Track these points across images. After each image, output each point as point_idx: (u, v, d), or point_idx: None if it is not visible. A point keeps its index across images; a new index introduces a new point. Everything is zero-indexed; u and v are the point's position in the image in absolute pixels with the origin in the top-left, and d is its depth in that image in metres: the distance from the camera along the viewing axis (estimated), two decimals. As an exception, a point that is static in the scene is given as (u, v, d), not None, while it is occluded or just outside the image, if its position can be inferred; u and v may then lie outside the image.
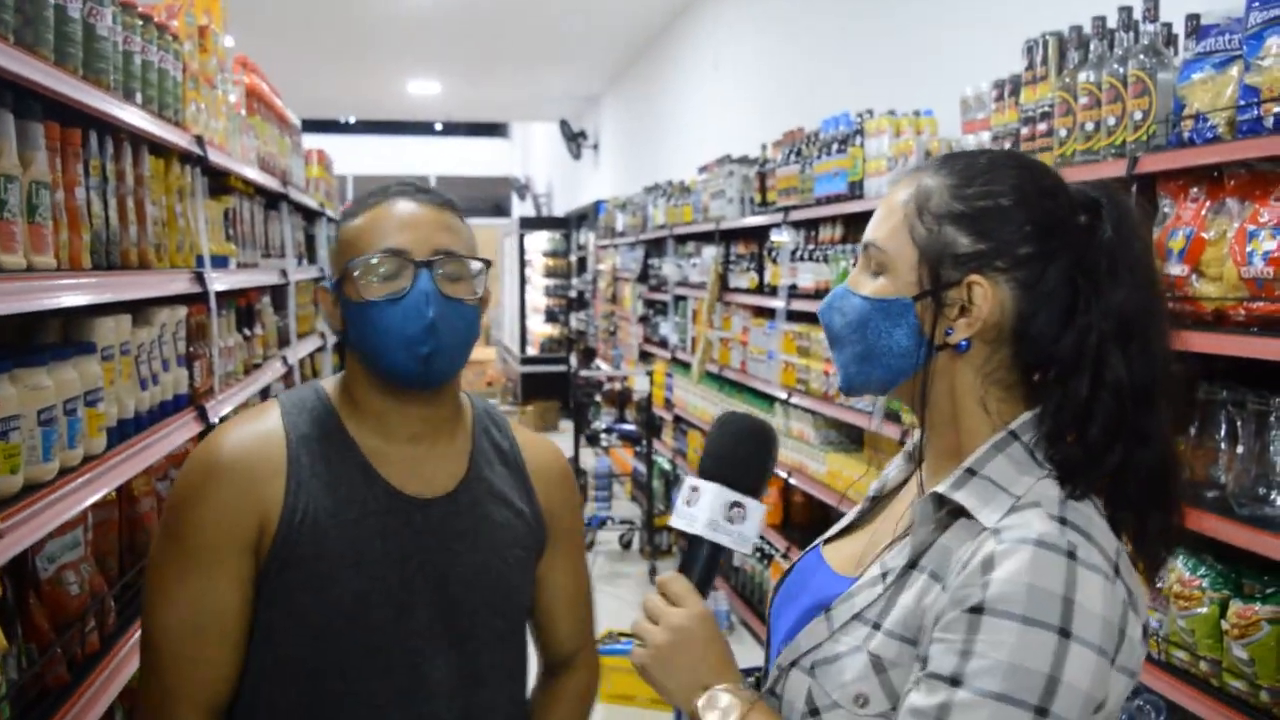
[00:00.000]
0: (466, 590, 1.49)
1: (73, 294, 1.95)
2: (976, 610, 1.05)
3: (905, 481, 1.38)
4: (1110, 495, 1.14)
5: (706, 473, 1.27)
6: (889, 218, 1.22)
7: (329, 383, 1.57)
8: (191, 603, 1.40)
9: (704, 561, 1.25)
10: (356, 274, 1.44)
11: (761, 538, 5.47)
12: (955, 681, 1.04)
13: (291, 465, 1.44)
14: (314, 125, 16.27)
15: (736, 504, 1.24)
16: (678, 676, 1.19)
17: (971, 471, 1.15)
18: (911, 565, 1.16)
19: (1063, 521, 1.08)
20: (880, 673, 1.12)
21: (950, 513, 1.16)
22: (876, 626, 1.15)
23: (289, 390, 1.58)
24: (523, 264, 14.53)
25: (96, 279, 2.08)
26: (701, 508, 1.24)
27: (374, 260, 1.44)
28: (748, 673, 4.24)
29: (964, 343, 1.17)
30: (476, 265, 1.50)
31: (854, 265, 4.07)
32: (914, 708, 1.07)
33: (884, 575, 1.18)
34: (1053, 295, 1.15)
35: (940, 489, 1.16)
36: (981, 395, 1.19)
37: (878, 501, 1.39)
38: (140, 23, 2.41)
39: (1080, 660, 1.02)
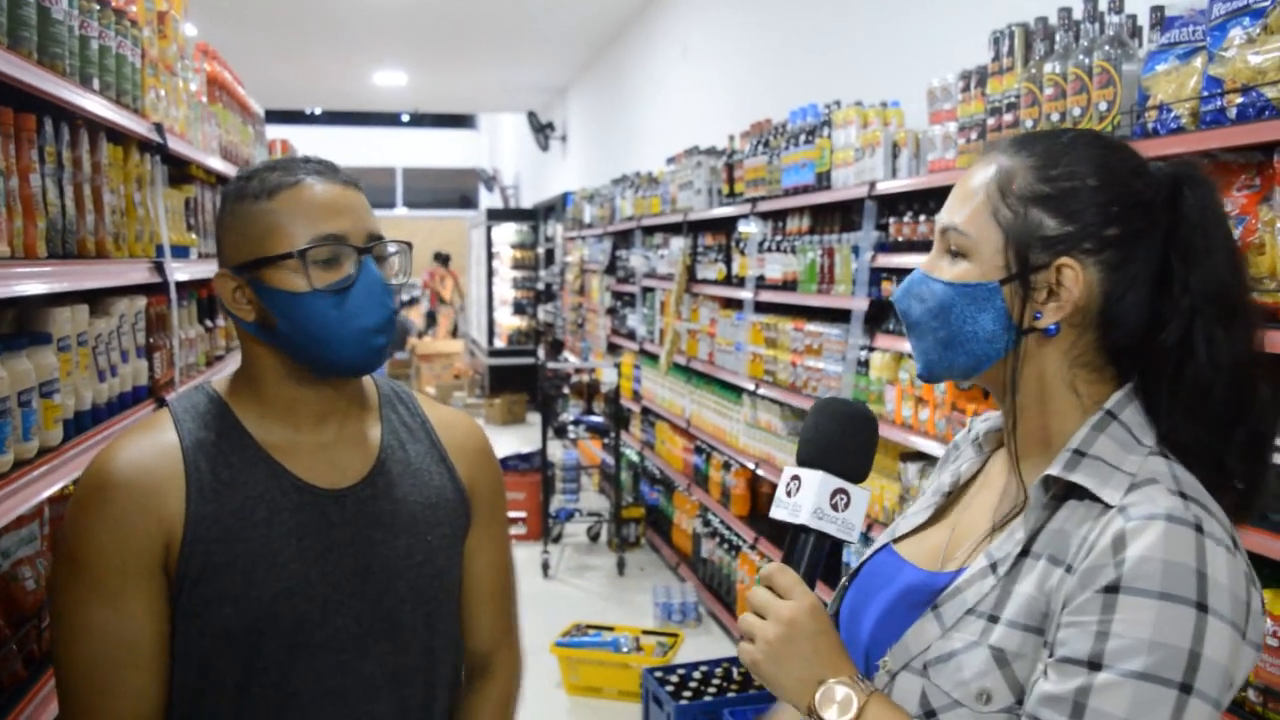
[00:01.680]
0: (393, 578, 1.44)
1: (27, 283, 1.90)
2: (1112, 589, 1.03)
3: (978, 473, 1.34)
4: (1216, 470, 1.13)
5: (807, 461, 1.22)
6: (968, 200, 1.19)
7: (219, 382, 1.49)
8: (100, 633, 1.32)
9: (810, 552, 1.20)
10: (308, 260, 1.37)
11: (729, 529, 5.49)
12: (1094, 664, 1.02)
13: (190, 474, 1.37)
14: (278, 116, 16.13)
15: (840, 491, 1.20)
16: (791, 671, 1.14)
17: (1080, 453, 1.14)
18: (1024, 553, 1.13)
19: (1184, 496, 1.07)
20: (1003, 666, 1.09)
21: (1055, 496, 1.14)
22: (994, 619, 1.11)
23: (177, 395, 1.50)
24: (490, 256, 14.47)
25: (52, 268, 2.04)
26: (805, 497, 1.19)
27: (318, 247, 1.37)
28: (715, 663, 4.24)
29: (1053, 327, 1.15)
30: (395, 247, 1.46)
31: (822, 256, 4.02)
32: (1047, 695, 1.04)
33: (993, 566, 1.15)
34: (1139, 276, 1.14)
35: (1054, 471, 1.14)
36: (1070, 379, 1.18)
37: (950, 496, 1.35)
38: (97, 7, 2.37)
39: (1218, 635, 1.01)
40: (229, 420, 1.43)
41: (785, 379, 4.53)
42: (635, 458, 7.53)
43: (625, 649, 4.84)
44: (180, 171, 3.50)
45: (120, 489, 1.34)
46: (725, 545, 5.52)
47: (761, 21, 6.32)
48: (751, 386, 4.94)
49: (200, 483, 1.37)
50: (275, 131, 7.50)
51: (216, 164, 3.93)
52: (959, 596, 1.15)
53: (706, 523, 5.87)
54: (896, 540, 1.34)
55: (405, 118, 19.01)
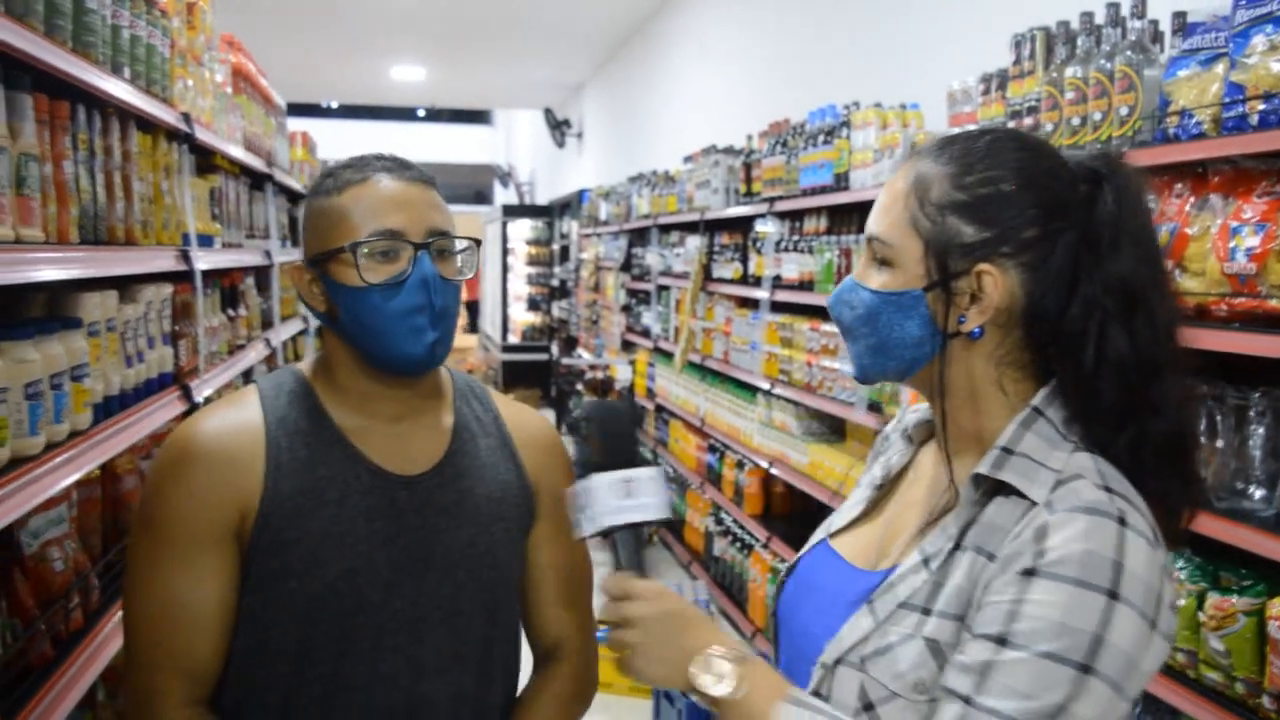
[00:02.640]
0: (453, 567, 1.47)
1: (59, 268, 1.93)
2: (1029, 573, 1.07)
3: (908, 465, 1.36)
4: (1134, 467, 1.15)
5: (587, 470, 1.28)
6: (890, 209, 1.22)
7: (306, 365, 1.54)
8: (167, 592, 1.38)
9: (629, 547, 1.26)
10: (359, 255, 1.40)
11: (742, 528, 5.49)
12: (1002, 640, 1.06)
13: (270, 449, 1.42)
14: (296, 109, 16.10)
15: (623, 480, 1.25)
16: (665, 658, 1.19)
17: (1008, 451, 1.16)
18: (956, 547, 1.16)
19: (1109, 490, 1.11)
20: (937, 656, 1.12)
21: (985, 492, 1.17)
22: (926, 611, 1.15)
23: (266, 374, 1.55)
24: (505, 252, 14.49)
25: (84, 253, 2.07)
26: (596, 504, 1.24)
27: (372, 242, 1.40)
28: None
29: (977, 330, 1.18)
30: (463, 244, 1.48)
31: (839, 256, 4.05)
32: (959, 664, 1.08)
33: (926, 561, 1.18)
34: (1061, 275, 1.16)
35: (982, 469, 1.17)
36: (997, 378, 1.20)
37: (882, 489, 1.37)
38: (129, -3, 2.40)
39: (1126, 622, 1.04)
40: (311, 401, 1.48)
41: (801, 379, 4.53)
42: (649, 455, 7.53)
43: (636, 644, 4.85)
44: (205, 161, 3.54)
45: (201, 459, 1.40)
46: (738, 544, 5.53)
47: (780, 20, 6.32)
48: (767, 386, 4.95)
49: (279, 460, 1.42)
50: (294, 124, 7.54)
51: (240, 154, 3.96)
52: (892, 591, 1.18)
53: (719, 521, 5.87)
54: (833, 535, 1.37)
55: (422, 113, 19.03)
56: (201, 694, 1.41)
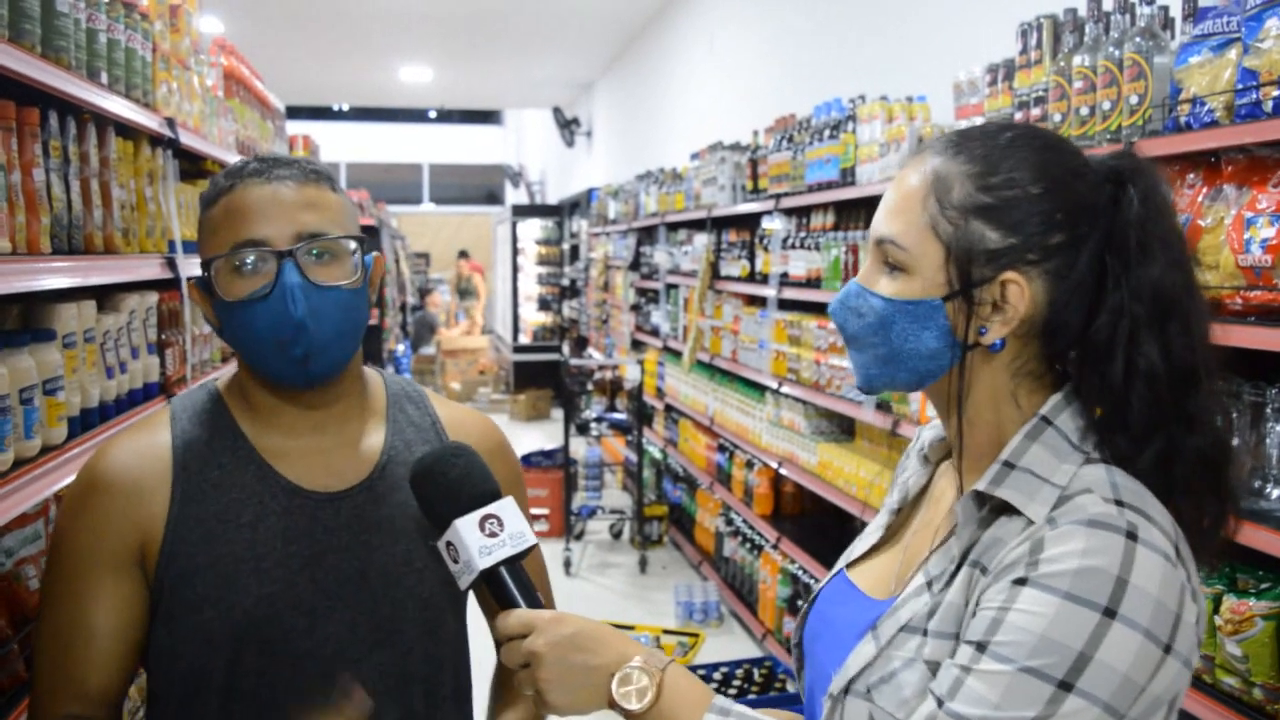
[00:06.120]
0: (389, 585, 1.40)
1: (29, 279, 1.87)
2: (1019, 582, 1.01)
3: (926, 486, 1.30)
4: (1161, 482, 1.08)
5: (443, 524, 1.23)
6: (904, 210, 1.13)
7: (223, 380, 1.47)
8: (65, 620, 1.35)
9: (512, 583, 1.21)
10: (215, 271, 1.33)
11: (752, 528, 5.43)
12: (982, 648, 1.01)
13: (177, 474, 1.36)
14: (306, 112, 16.21)
15: (485, 518, 1.21)
16: (580, 684, 1.13)
17: (1010, 465, 1.09)
18: (958, 567, 1.10)
19: (1119, 503, 1.03)
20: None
21: (992, 509, 1.10)
22: (926, 633, 1.09)
23: (182, 393, 1.49)
24: (515, 252, 14.47)
25: (58, 263, 2.01)
26: (467, 551, 1.20)
27: (231, 257, 1.32)
28: (736, 664, 4.16)
29: (999, 342, 1.11)
30: (351, 243, 1.38)
31: (846, 253, 3.95)
32: (945, 665, 1.04)
33: (929, 584, 1.12)
34: (1085, 281, 1.09)
35: (980, 486, 1.10)
36: (1013, 390, 1.13)
37: (899, 513, 1.31)
38: (106, 0, 2.34)
39: (1121, 640, 0.97)
40: (225, 420, 1.41)
41: (809, 377, 4.47)
42: (658, 455, 7.48)
43: (645, 649, 4.80)
44: (195, 167, 3.49)
45: (102, 490, 1.35)
46: (748, 544, 5.47)
47: (786, 15, 6.25)
48: (775, 384, 4.89)
49: (186, 483, 1.36)
50: (303, 128, 7.54)
51: (233, 159, 3.91)
52: (895, 615, 1.13)
53: (729, 521, 5.82)
54: (851, 565, 1.31)
55: (432, 114, 19.02)
56: (99, 710, 1.36)
